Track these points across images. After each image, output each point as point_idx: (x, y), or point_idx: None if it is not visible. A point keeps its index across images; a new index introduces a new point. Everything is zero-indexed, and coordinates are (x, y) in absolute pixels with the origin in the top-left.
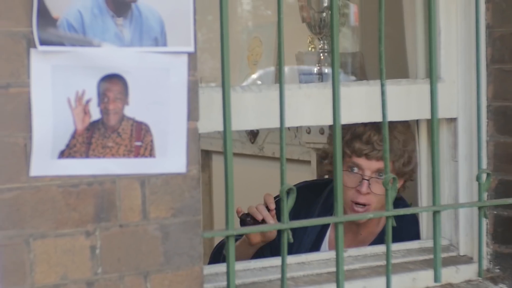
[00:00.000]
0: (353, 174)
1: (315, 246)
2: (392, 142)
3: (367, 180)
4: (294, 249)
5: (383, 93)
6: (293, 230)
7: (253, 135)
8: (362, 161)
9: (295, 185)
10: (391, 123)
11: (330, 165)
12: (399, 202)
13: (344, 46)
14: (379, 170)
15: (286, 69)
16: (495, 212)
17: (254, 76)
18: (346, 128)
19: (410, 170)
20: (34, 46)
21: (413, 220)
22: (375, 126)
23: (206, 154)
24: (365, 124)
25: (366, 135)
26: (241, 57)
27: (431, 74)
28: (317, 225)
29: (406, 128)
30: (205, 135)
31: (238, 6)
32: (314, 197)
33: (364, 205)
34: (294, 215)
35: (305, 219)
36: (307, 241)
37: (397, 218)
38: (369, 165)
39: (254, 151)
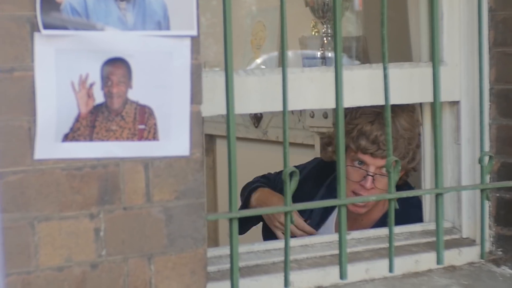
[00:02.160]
0: (357, 168)
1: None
2: (398, 141)
3: (371, 176)
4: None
5: (385, 77)
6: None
7: (257, 119)
8: (367, 158)
9: (308, 162)
10: (397, 119)
11: (334, 152)
12: (404, 187)
13: (348, 30)
14: (383, 166)
15: (290, 53)
16: (498, 195)
17: (258, 60)
18: (353, 124)
19: (414, 165)
20: (38, 30)
21: (416, 204)
22: (381, 125)
23: (210, 138)
24: (371, 123)
25: (373, 135)
26: (244, 42)
27: (434, 58)
28: (320, 209)
29: (411, 125)
30: (208, 119)
31: None
32: (321, 179)
33: None
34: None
35: (308, 202)
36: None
37: (400, 202)
38: (374, 162)
39: (258, 135)
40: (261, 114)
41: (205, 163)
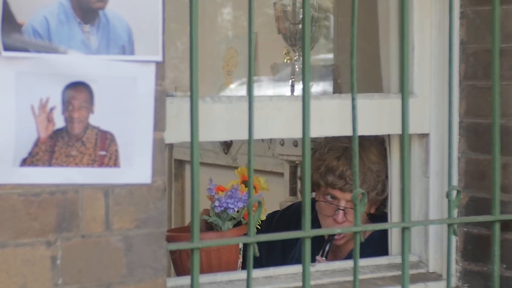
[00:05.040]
0: (329, 203)
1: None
2: (366, 174)
3: (342, 210)
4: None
5: (353, 108)
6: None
7: (226, 145)
8: (336, 193)
9: (271, 213)
10: (364, 153)
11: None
12: (381, 217)
13: (324, 57)
14: None
15: (263, 78)
16: (465, 229)
17: (232, 86)
18: (322, 160)
19: (384, 198)
20: None
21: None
22: (348, 160)
23: (180, 164)
24: (338, 158)
25: (339, 170)
26: (217, 67)
27: (403, 89)
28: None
29: (380, 158)
30: (178, 145)
31: (218, 16)
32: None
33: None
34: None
35: (271, 233)
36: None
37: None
38: (343, 196)
39: (227, 162)
40: (231, 140)
41: (174, 189)
